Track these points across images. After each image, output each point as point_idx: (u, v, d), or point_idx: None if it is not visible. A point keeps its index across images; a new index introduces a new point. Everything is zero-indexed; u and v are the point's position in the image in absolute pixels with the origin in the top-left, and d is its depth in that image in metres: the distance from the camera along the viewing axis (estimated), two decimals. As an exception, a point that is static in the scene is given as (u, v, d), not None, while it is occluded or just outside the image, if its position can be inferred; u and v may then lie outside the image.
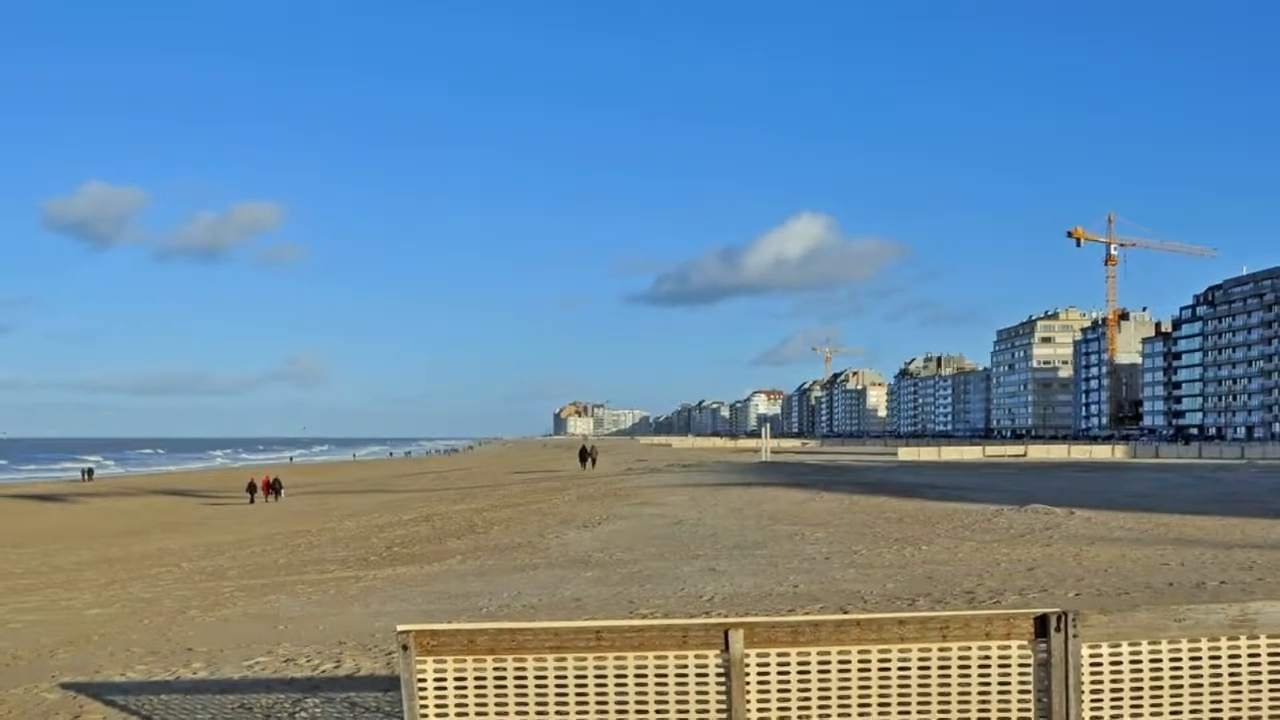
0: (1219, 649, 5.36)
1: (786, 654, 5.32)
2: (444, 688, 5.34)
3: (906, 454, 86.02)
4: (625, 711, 5.32)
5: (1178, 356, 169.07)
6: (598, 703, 5.32)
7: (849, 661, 5.30)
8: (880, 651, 5.31)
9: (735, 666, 5.29)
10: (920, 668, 5.30)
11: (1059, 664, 5.28)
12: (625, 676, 5.31)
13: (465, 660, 5.34)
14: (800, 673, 5.31)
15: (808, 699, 5.31)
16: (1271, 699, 5.37)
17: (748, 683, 5.30)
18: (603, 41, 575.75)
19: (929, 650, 5.31)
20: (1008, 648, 5.32)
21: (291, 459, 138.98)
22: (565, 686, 5.32)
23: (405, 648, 5.35)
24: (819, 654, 5.31)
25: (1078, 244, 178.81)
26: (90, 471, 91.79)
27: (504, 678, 5.33)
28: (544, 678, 5.33)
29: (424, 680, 5.34)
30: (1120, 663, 5.32)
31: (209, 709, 8.12)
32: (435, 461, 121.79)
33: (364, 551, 21.76)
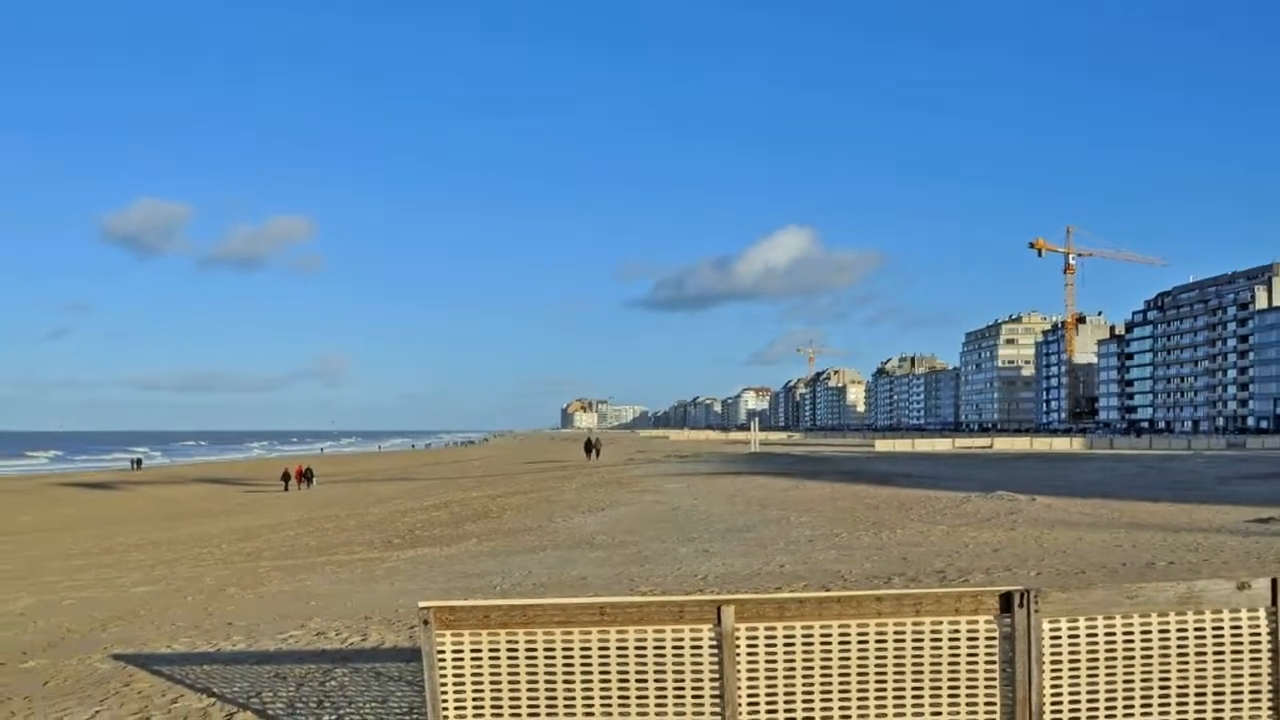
0: (1168, 624, 5.36)
1: (774, 628, 5.32)
2: (461, 659, 5.35)
3: (883, 446, 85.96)
4: (627, 681, 5.32)
5: (1130, 357, 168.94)
6: (601, 673, 5.33)
7: (830, 635, 5.31)
8: (859, 626, 5.32)
9: (727, 639, 5.29)
10: (896, 641, 5.31)
11: (1022, 637, 5.29)
12: (627, 649, 5.32)
13: (481, 634, 5.35)
14: (786, 645, 5.31)
15: (793, 669, 5.31)
16: (1216, 670, 5.37)
17: (738, 654, 5.31)
18: (608, 67, 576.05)
19: (903, 625, 5.32)
20: (975, 622, 5.33)
21: (322, 450, 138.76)
22: (572, 658, 5.33)
23: (426, 622, 5.35)
24: (803, 628, 5.31)
25: (1039, 254, 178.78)
26: (139, 461, 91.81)
27: (516, 650, 5.34)
28: (552, 650, 5.33)
29: (443, 652, 5.35)
30: (1078, 636, 5.33)
31: (247, 678, 8.12)
32: (453, 453, 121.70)
33: (388, 535, 21.76)
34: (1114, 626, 5.34)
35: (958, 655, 5.31)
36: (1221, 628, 5.38)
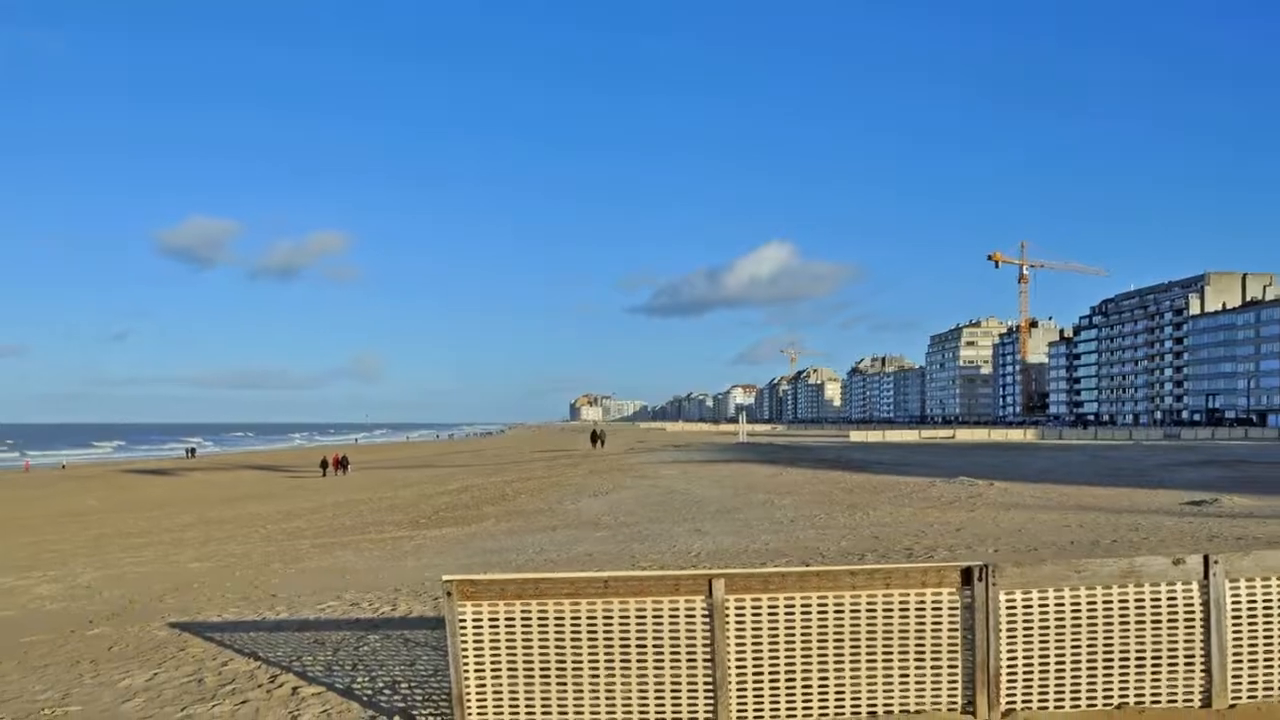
0: (1111, 595, 5.37)
1: (759, 599, 5.33)
2: (481, 627, 5.35)
3: (857, 436, 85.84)
4: (628, 646, 5.32)
5: (1078, 357, 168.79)
6: (605, 639, 5.33)
7: (810, 606, 5.31)
8: (835, 597, 5.32)
9: (717, 609, 5.30)
10: (868, 611, 5.31)
11: (981, 608, 5.29)
12: (628, 618, 5.32)
13: (498, 604, 5.35)
14: (770, 615, 5.32)
15: (776, 636, 5.32)
16: (1154, 636, 5.38)
17: (727, 622, 5.31)
18: (612, 102, 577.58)
19: (875, 596, 5.32)
20: (939, 594, 5.33)
21: (356, 440, 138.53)
22: (579, 626, 5.33)
23: (449, 594, 5.36)
24: (785, 599, 5.32)
25: (996, 265, 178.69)
26: (193, 450, 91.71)
27: (529, 619, 5.34)
28: (562, 619, 5.33)
29: (464, 621, 5.35)
30: (1031, 606, 5.34)
31: (289, 643, 8.12)
32: (472, 443, 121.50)
33: (415, 516, 21.74)
34: (1063, 598, 5.35)
35: (924, 624, 5.31)
36: (1159, 599, 5.38)
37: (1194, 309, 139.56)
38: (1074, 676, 5.33)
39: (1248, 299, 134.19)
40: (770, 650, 5.30)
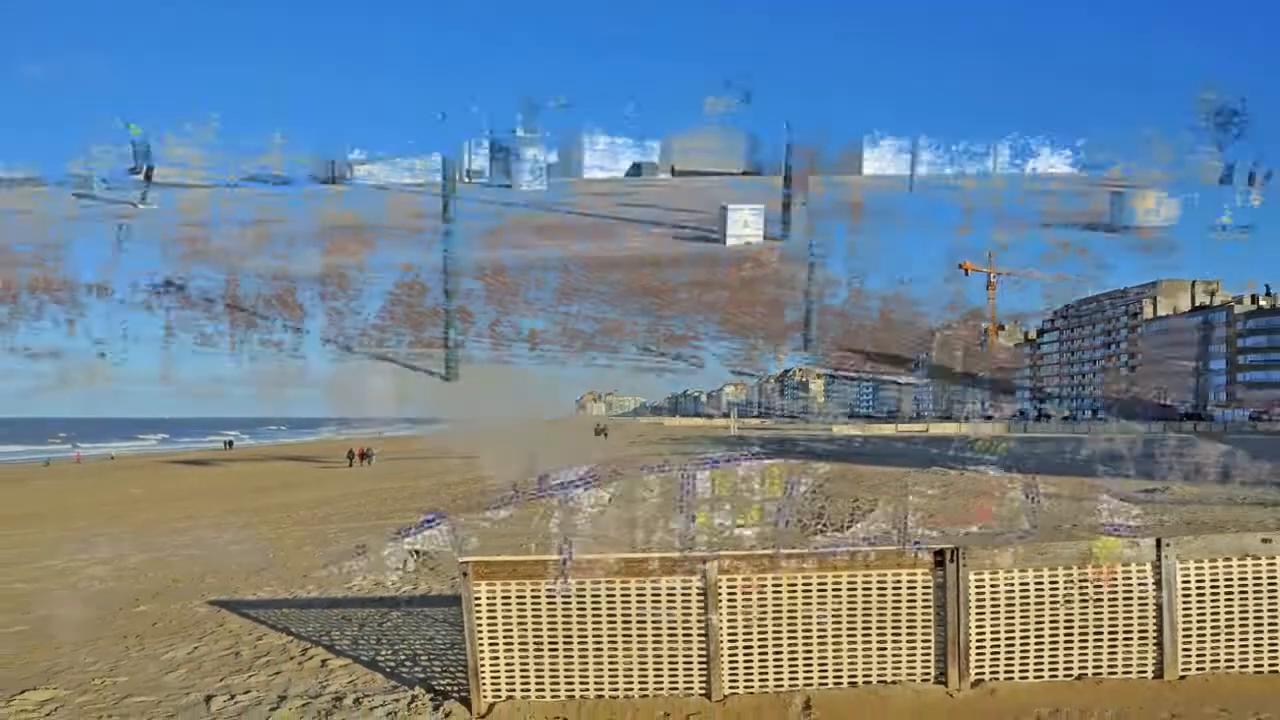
0: (1071, 575, 5.39)
1: (749, 579, 5.34)
2: (494, 604, 5.37)
3: (839, 430, 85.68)
4: (630, 622, 5.34)
5: (1042, 357, 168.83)
6: (609, 615, 5.35)
7: (795, 585, 5.33)
8: (819, 577, 5.34)
9: (711, 589, 5.32)
10: (849, 589, 5.33)
11: (952, 587, 5.31)
12: (629, 596, 5.34)
13: (510, 584, 5.38)
14: (759, 594, 5.33)
15: (765, 613, 5.34)
16: (1111, 613, 5.39)
17: (720, 601, 5.33)
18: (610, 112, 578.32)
19: (855, 576, 5.34)
20: (914, 575, 5.35)
21: (381, 433, 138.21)
22: (585, 603, 5.35)
23: (465, 574, 5.38)
24: (773, 580, 5.34)
25: (966, 273, 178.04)
26: (230, 443, 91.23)
27: (539, 597, 5.36)
28: (569, 597, 5.35)
29: (479, 599, 5.37)
30: (998, 586, 5.36)
31: (319, 620, 8.12)
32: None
33: (434, 502, 21.69)
34: (1027, 578, 5.37)
35: (900, 602, 5.33)
36: (1115, 579, 5.40)
37: (1147, 313, 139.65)
38: (1037, 650, 5.35)
39: (1196, 304, 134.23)
40: (759, 626, 5.31)
